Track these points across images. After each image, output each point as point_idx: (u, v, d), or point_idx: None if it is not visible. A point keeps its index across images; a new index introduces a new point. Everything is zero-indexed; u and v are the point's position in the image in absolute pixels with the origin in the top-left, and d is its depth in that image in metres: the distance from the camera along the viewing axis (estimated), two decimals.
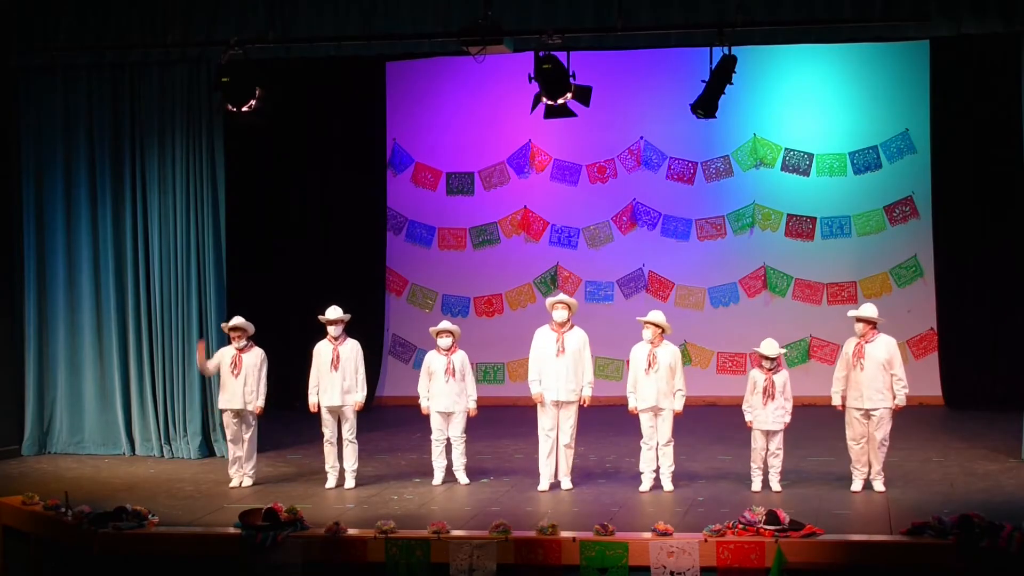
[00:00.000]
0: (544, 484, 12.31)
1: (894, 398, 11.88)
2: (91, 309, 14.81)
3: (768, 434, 12.05)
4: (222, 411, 13.05)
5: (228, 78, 13.32)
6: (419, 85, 18.28)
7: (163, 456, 14.57)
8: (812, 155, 17.48)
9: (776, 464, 12.02)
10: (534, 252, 18.23)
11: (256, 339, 13.01)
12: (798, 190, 17.51)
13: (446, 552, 10.04)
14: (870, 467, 11.89)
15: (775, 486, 11.93)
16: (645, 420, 12.17)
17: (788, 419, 12.09)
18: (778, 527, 9.82)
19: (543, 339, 12.34)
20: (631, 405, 12.18)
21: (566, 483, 12.34)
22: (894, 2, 12.75)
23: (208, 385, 14.48)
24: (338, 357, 12.60)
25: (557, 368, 12.19)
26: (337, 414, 12.67)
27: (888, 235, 17.31)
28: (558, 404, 12.27)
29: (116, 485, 13.01)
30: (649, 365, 12.08)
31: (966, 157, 16.54)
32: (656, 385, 12.07)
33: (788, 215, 17.52)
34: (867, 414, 11.85)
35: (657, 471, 12.18)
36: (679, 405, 12.18)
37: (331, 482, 12.68)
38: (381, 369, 18.20)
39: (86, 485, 12.85)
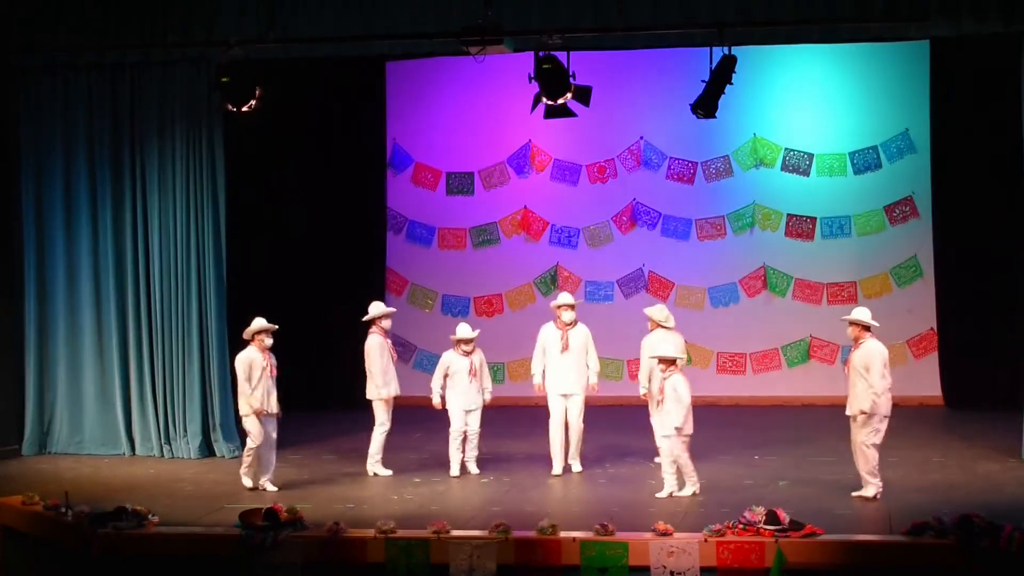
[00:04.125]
0: (557, 468, 13.00)
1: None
2: (91, 309, 14.80)
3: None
4: (259, 414, 12.59)
5: (228, 78, 13.31)
6: (419, 85, 18.28)
7: (163, 456, 14.57)
8: (812, 155, 17.47)
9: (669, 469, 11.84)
10: (534, 252, 18.23)
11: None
12: (798, 190, 17.51)
13: (446, 552, 10.04)
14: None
15: (677, 489, 11.84)
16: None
17: (677, 423, 11.75)
18: (778, 527, 9.82)
19: (549, 336, 13.14)
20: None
21: (576, 466, 13.05)
22: (894, 2, 12.73)
23: (208, 385, 14.48)
24: (394, 349, 13.36)
25: (563, 364, 13.03)
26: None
27: (888, 235, 17.31)
28: (565, 395, 13.03)
29: (116, 485, 13.01)
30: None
31: (966, 157, 16.53)
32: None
33: (788, 215, 17.52)
34: (855, 419, 11.73)
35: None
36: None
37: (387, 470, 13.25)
38: None
39: (86, 485, 12.85)
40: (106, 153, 14.73)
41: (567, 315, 13.01)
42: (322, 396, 17.17)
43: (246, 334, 12.78)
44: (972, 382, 16.68)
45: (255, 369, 12.57)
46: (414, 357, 18.14)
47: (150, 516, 10.89)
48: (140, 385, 14.67)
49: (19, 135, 14.87)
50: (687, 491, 11.84)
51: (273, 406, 12.69)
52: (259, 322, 12.76)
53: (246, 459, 12.75)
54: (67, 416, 14.93)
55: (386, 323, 13.27)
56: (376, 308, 13.32)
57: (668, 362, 11.87)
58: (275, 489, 12.59)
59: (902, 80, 17.12)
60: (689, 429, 11.82)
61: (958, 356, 16.82)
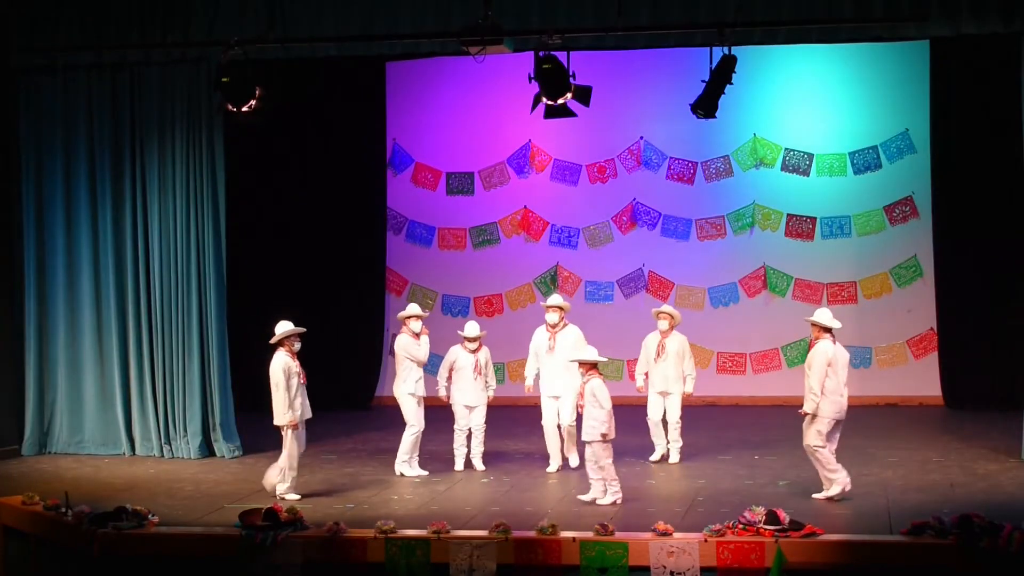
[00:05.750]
0: (553, 466, 13.18)
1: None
2: (91, 309, 14.80)
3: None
4: (296, 423, 12.11)
5: (228, 78, 13.32)
6: (419, 85, 18.28)
7: (163, 456, 14.57)
8: (812, 155, 17.47)
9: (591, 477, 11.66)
10: (534, 252, 18.23)
11: (256, 340, 12.98)
12: (798, 190, 17.51)
13: (446, 552, 10.04)
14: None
15: (599, 497, 11.62)
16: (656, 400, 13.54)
17: (602, 430, 11.46)
18: (778, 527, 9.82)
19: (539, 338, 13.32)
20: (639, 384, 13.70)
21: (574, 460, 13.17)
22: (894, 2, 12.75)
23: (208, 385, 14.48)
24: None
25: (551, 365, 13.15)
26: None
27: (888, 235, 17.31)
28: (555, 397, 13.14)
29: (116, 485, 13.01)
30: (658, 354, 13.54)
31: (966, 157, 16.53)
32: (664, 371, 13.50)
33: (788, 215, 17.52)
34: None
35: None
36: (689, 387, 13.61)
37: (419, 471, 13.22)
38: (381, 369, 18.22)
39: (86, 485, 12.85)
40: (106, 153, 14.73)
41: (549, 316, 13.12)
42: (322, 396, 17.08)
43: (274, 339, 12.12)
44: (972, 382, 16.68)
45: (291, 376, 11.98)
46: None
47: (150, 516, 10.89)
48: (140, 385, 14.67)
49: (19, 135, 14.87)
50: (607, 499, 11.51)
51: (308, 411, 12.31)
52: (286, 326, 12.11)
53: (289, 472, 12.13)
54: (67, 416, 14.93)
55: (415, 325, 13.22)
56: (411, 309, 13.43)
57: (588, 366, 11.59)
58: (297, 497, 12.06)
59: (902, 80, 17.12)
60: (612, 434, 11.52)
61: (958, 356, 16.81)
